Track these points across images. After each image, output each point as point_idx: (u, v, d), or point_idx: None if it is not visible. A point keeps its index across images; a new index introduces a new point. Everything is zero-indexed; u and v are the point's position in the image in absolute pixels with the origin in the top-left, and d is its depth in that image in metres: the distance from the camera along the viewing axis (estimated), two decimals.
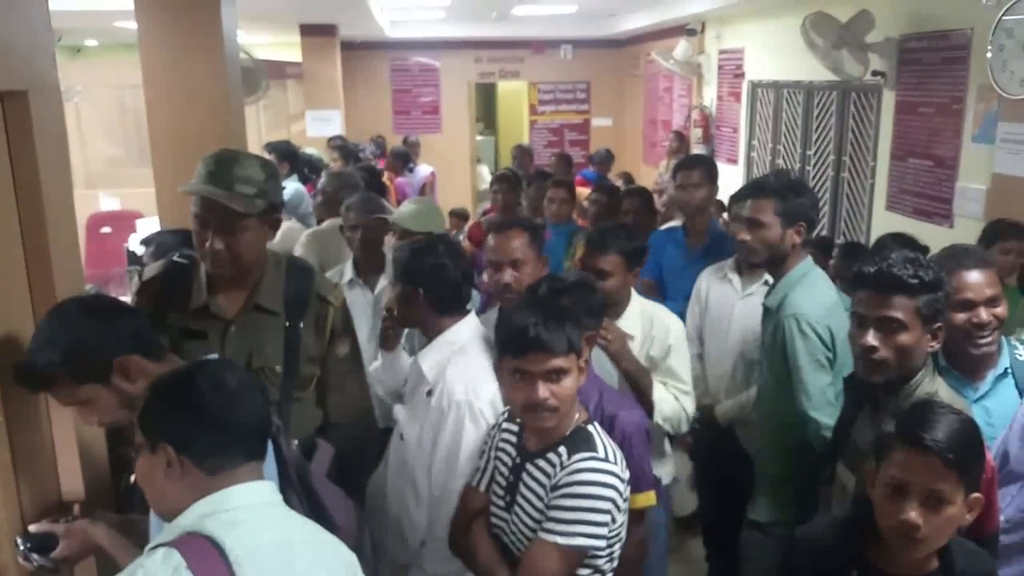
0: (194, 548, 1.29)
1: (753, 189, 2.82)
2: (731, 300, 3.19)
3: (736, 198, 3.28)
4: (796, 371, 2.49)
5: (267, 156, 5.69)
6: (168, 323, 2.16)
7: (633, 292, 2.79)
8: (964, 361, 2.25)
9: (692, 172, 3.63)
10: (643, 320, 2.69)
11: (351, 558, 1.52)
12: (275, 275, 2.21)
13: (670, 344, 2.66)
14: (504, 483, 1.98)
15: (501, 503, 1.97)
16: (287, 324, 2.18)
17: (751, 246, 2.71)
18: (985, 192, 4.17)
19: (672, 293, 3.52)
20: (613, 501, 1.79)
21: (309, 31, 8.81)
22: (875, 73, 5.05)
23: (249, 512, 1.38)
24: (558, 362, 1.81)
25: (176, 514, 1.38)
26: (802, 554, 1.76)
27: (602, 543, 1.79)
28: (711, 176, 3.66)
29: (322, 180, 4.27)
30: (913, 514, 1.51)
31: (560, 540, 1.77)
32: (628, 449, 2.09)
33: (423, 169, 8.89)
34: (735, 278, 3.20)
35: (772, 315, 2.64)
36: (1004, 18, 3.76)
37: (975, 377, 2.26)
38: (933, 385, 1.93)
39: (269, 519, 1.40)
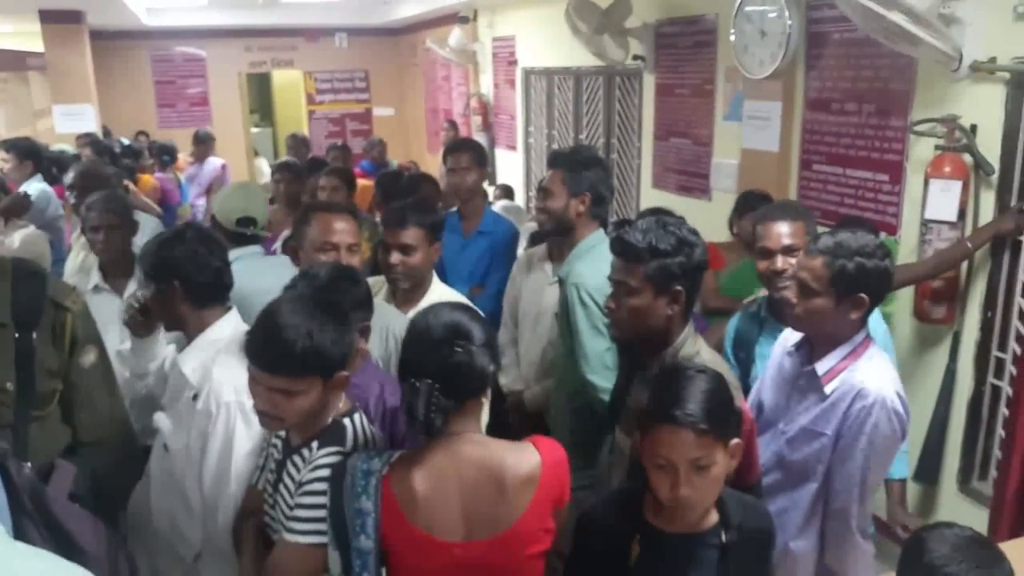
0: None
1: (549, 161, 2.91)
2: (541, 286, 3.19)
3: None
4: (576, 336, 2.58)
5: (5, 155, 5.11)
6: None
7: (435, 276, 2.78)
8: (785, 312, 2.35)
9: (461, 156, 3.65)
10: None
11: None
12: None
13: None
14: (272, 480, 1.88)
15: (270, 500, 1.87)
16: (17, 335, 1.95)
17: (541, 213, 2.82)
18: (737, 166, 4.49)
19: (451, 278, 3.51)
20: None
21: (50, 17, 7.95)
22: (636, 57, 5.30)
23: None
24: (283, 383, 1.70)
25: None
26: (588, 532, 1.79)
27: None
28: (480, 159, 3.69)
29: (68, 176, 3.84)
30: (683, 489, 1.55)
31: (300, 540, 1.69)
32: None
33: (213, 162, 8.26)
34: (547, 264, 3.19)
35: (563, 285, 2.72)
36: (743, 6, 4.06)
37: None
38: (695, 346, 2.02)
39: None
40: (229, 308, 2.20)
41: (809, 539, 2.10)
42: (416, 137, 11.26)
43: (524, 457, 1.68)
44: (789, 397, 2.20)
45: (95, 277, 3.12)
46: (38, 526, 1.59)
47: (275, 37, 11.06)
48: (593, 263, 2.65)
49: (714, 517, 1.69)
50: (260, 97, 13.94)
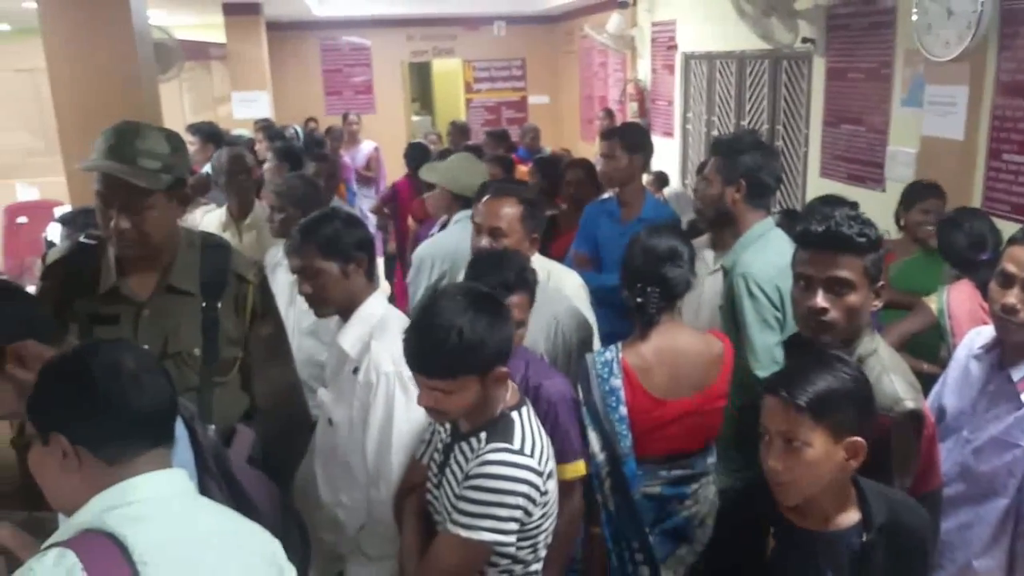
0: (92, 547, 1.18)
1: (710, 149, 2.83)
2: (701, 275, 3.05)
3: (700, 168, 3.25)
4: (744, 329, 2.46)
5: (191, 138, 5.48)
6: (75, 308, 2.03)
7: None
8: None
9: (613, 142, 3.59)
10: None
11: (272, 548, 1.43)
12: (189, 254, 2.10)
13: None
14: (438, 460, 1.90)
15: (435, 480, 1.90)
16: (204, 305, 2.07)
17: (699, 202, 2.75)
18: (915, 155, 4.21)
19: (608, 265, 3.46)
20: (526, 496, 1.71)
21: (232, 10, 8.52)
22: (805, 40, 5.05)
23: (155, 504, 1.27)
24: (439, 384, 1.72)
25: (76, 510, 1.27)
26: (726, 522, 1.79)
27: (510, 538, 1.73)
28: (632, 145, 3.59)
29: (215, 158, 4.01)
30: (771, 459, 1.56)
31: (463, 533, 1.70)
32: (553, 418, 2.04)
33: (366, 145, 8.57)
34: (708, 253, 3.03)
35: (727, 276, 2.61)
36: None
37: None
38: (873, 343, 1.90)
39: (178, 511, 1.30)
40: (375, 286, 2.28)
41: (996, 559, 1.94)
42: (570, 125, 11.24)
43: (715, 341, 2.30)
44: (975, 403, 2.03)
45: (279, 254, 3.27)
46: (220, 485, 1.69)
47: (436, 26, 11.31)
48: (762, 252, 2.53)
49: (855, 515, 1.61)
50: (420, 85, 14.32)
